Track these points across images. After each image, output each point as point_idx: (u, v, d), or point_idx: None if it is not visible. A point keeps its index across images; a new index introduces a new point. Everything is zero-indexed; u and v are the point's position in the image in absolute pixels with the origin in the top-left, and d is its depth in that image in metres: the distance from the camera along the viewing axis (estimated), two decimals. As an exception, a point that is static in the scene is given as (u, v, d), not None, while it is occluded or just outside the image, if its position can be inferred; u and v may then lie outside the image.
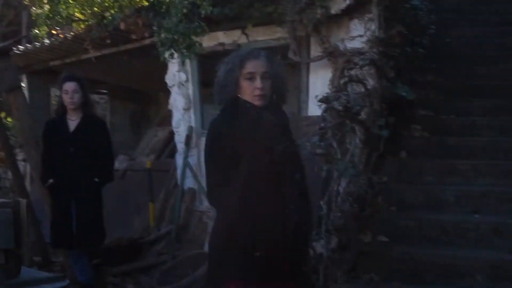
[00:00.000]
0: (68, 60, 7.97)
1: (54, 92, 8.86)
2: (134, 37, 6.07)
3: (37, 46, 7.62)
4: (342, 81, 4.27)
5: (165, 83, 6.73)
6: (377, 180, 4.54)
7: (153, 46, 5.70)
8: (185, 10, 4.94)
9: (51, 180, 4.77)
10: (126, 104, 10.52)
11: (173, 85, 6.62)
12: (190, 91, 6.58)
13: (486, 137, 5.19)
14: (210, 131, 2.88)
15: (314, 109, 4.76)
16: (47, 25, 6.52)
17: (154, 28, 5.44)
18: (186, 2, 4.96)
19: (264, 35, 5.84)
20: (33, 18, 7.05)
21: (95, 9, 6.50)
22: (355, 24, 5.13)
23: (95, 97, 9.89)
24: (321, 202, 3.59)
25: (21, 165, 7.39)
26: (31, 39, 7.47)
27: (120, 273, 5.36)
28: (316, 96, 3.81)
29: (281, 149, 2.76)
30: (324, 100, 3.86)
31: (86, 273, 4.81)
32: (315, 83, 5.46)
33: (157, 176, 6.85)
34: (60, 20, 6.46)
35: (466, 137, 5.17)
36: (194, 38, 4.90)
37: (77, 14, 6.77)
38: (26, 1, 8.25)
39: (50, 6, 6.52)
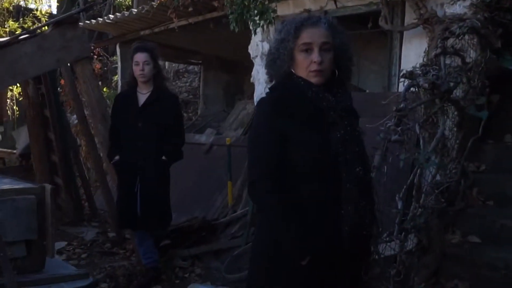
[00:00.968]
0: (157, 30, 7.83)
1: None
2: (215, 4, 5.71)
3: (126, 15, 7.52)
4: (433, 53, 3.66)
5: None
6: (473, 169, 3.92)
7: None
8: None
9: (117, 157, 4.55)
10: (219, 75, 10.26)
11: (256, 56, 6.21)
12: (274, 63, 6.14)
13: None
14: (257, 113, 2.44)
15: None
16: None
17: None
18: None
19: (353, 0, 5.32)
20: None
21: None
22: (457, -15, 4.49)
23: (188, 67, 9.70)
24: (396, 197, 3.06)
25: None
26: (102, 7, 7.36)
27: (189, 256, 5.10)
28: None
29: (340, 137, 2.27)
30: (408, 75, 3.30)
31: (151, 256, 4.58)
32: (408, 55, 4.94)
33: (240, 152, 6.51)
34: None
35: None
36: (268, 4, 4.41)
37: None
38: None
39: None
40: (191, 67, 12.25)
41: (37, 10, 12.98)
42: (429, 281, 3.25)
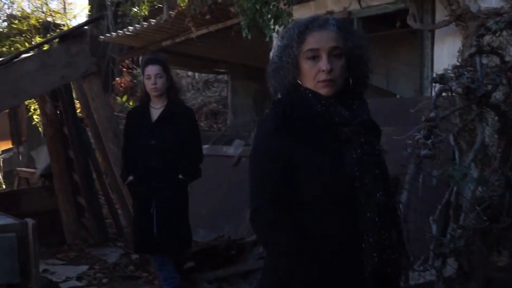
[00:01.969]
0: (178, 40, 7.63)
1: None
2: (232, 9, 5.44)
3: (145, 26, 7.33)
4: (467, 53, 3.27)
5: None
6: (519, 180, 3.49)
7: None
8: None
9: (130, 177, 4.29)
10: (247, 84, 10.02)
11: (278, 62, 5.92)
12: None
13: None
14: (259, 133, 2.10)
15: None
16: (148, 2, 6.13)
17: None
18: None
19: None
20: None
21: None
22: (492, -24, 4.16)
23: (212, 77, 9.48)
24: (430, 219, 2.68)
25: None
26: (110, 20, 7.18)
27: (215, 279, 4.79)
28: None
29: (355, 158, 1.92)
30: (439, 79, 2.93)
31: (172, 282, 4.29)
32: (441, 55, 4.68)
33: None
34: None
35: None
36: (283, 7, 4.07)
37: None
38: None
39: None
40: (220, 76, 12.07)
41: (64, 25, 12.94)
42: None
